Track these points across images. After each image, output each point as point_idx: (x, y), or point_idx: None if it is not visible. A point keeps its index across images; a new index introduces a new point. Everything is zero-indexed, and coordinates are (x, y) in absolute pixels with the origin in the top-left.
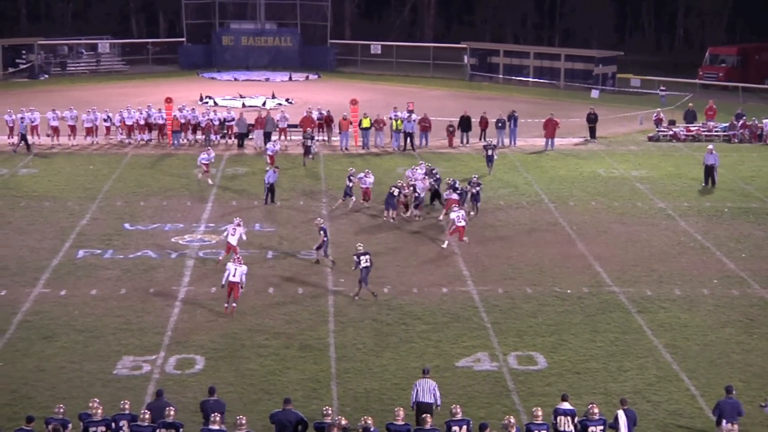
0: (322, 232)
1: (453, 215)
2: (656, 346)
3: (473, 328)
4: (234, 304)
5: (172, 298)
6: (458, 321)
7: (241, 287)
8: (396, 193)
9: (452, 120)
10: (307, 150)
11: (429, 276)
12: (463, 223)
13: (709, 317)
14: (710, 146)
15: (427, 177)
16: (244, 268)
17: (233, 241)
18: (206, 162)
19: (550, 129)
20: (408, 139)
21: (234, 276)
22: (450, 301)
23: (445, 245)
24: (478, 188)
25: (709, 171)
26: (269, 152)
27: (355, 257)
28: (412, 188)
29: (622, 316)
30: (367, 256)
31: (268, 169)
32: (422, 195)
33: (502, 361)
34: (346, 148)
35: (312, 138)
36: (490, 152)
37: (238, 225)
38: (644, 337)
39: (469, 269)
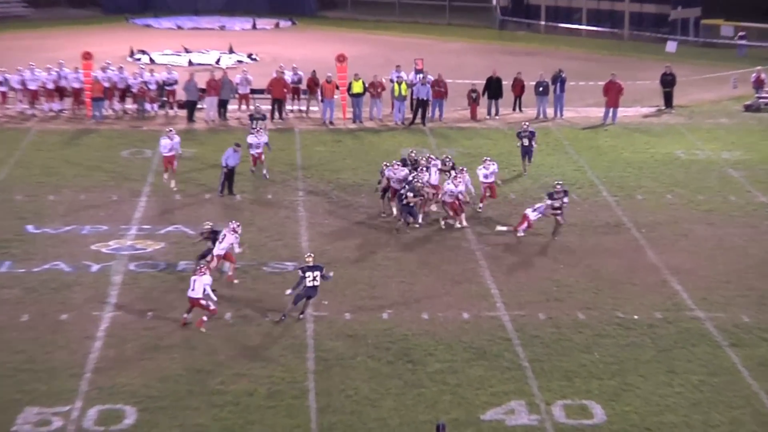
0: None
1: (451, 187)
2: (756, 392)
3: (505, 367)
4: (205, 318)
5: (93, 327)
6: (484, 358)
7: (208, 304)
8: (407, 200)
9: (476, 83)
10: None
11: (445, 296)
12: (491, 179)
13: None
14: None
15: (431, 169)
16: (207, 278)
17: (220, 249)
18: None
19: (612, 95)
20: (417, 110)
21: (193, 290)
22: (473, 330)
23: (460, 224)
24: (563, 201)
25: None
26: (254, 150)
27: (300, 272)
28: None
29: (709, 351)
30: (317, 273)
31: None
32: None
33: (544, 412)
34: (331, 122)
35: (262, 118)
36: (526, 142)
37: (233, 231)
38: (739, 379)
39: (500, 287)
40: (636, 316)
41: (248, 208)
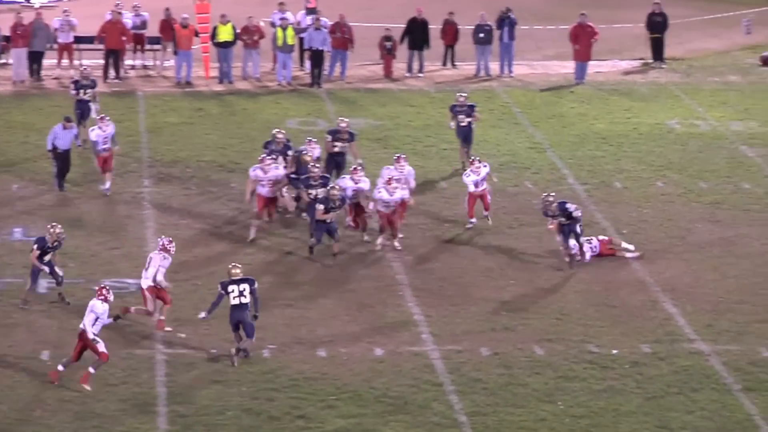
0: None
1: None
2: None
3: (434, 424)
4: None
5: None
6: (405, 411)
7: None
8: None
9: (392, 28)
10: (84, 113)
11: (349, 325)
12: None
13: None
14: None
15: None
16: (100, 306)
17: (147, 279)
18: (104, 147)
19: (582, 44)
20: (312, 64)
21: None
22: (389, 372)
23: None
24: (577, 216)
25: None
26: (101, 147)
27: (219, 287)
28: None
29: (716, 399)
30: (245, 287)
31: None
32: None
33: None
34: (189, 82)
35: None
36: (464, 120)
37: (163, 250)
38: None
39: (426, 311)
40: (615, 351)
41: (73, 204)
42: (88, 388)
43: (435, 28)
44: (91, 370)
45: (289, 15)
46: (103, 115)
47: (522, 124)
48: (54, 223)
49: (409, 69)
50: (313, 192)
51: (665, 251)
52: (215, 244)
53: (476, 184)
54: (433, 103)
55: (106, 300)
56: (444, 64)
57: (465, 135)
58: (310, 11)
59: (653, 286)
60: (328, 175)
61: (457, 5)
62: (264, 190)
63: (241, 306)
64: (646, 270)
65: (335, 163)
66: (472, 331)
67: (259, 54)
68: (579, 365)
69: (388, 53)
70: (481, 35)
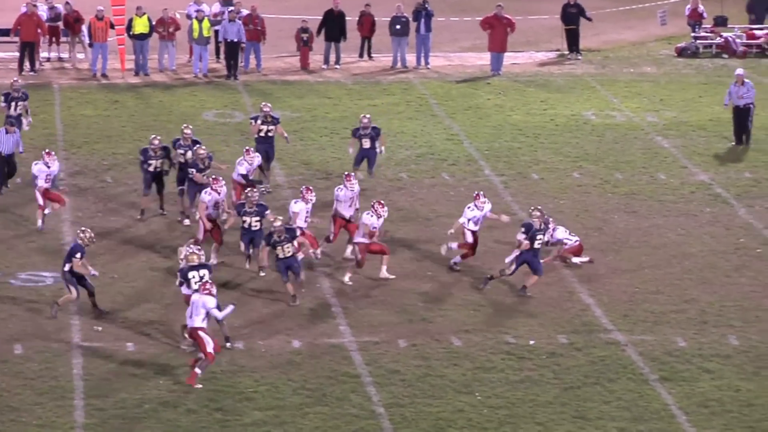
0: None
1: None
2: None
3: (352, 416)
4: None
5: None
6: (323, 403)
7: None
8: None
9: (308, 20)
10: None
11: (267, 317)
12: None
13: None
14: (739, 71)
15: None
16: (211, 301)
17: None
18: (46, 178)
19: (497, 35)
20: (227, 56)
21: (190, 317)
22: (307, 364)
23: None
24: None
25: (739, 117)
26: (41, 183)
27: (179, 276)
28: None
29: (633, 389)
30: (204, 272)
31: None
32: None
33: None
34: (104, 75)
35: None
36: (367, 143)
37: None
38: (673, 426)
39: (344, 303)
40: (532, 342)
41: None
42: (198, 386)
43: (351, 19)
44: (198, 371)
45: (204, 7)
46: (49, 150)
47: (439, 116)
48: (83, 228)
49: (326, 61)
50: (248, 220)
51: (582, 241)
52: (131, 237)
53: (476, 222)
54: (350, 95)
55: (210, 293)
56: (361, 56)
57: (367, 157)
58: (226, 2)
59: (570, 276)
60: (264, 204)
61: None
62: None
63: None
64: (562, 261)
65: (264, 150)
66: (389, 323)
67: (175, 46)
68: (496, 356)
69: (304, 45)
70: (398, 27)
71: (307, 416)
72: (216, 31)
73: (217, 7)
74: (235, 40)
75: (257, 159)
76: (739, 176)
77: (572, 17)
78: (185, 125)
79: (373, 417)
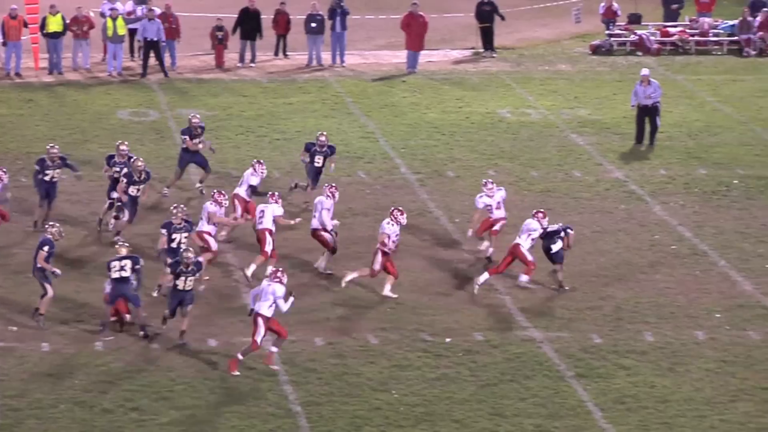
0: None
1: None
2: None
3: (269, 414)
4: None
5: None
6: (240, 401)
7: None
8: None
9: (223, 18)
10: None
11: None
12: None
13: (709, 383)
14: (644, 71)
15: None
16: (280, 289)
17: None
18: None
19: (413, 33)
20: (145, 55)
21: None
22: (225, 363)
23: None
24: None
25: (645, 116)
26: None
27: (107, 269)
28: None
29: (549, 386)
30: (127, 262)
31: None
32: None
33: None
34: (18, 73)
35: None
36: (319, 161)
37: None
38: (589, 423)
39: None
40: (449, 339)
41: None
42: (236, 373)
43: (267, 17)
44: (240, 356)
45: (118, 5)
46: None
47: (354, 114)
48: (52, 222)
49: (242, 59)
50: (177, 237)
51: (496, 239)
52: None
53: (489, 208)
54: (266, 94)
55: (281, 282)
56: (276, 54)
57: (316, 173)
58: (140, 1)
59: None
60: (190, 222)
61: None
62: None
63: (122, 279)
64: (478, 258)
65: (195, 161)
66: (306, 321)
67: (89, 44)
68: (413, 354)
69: (219, 43)
70: (313, 25)
71: (223, 415)
72: (131, 30)
73: (130, 6)
74: (155, 38)
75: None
76: (653, 173)
77: (487, 15)
78: (120, 141)
79: (289, 415)
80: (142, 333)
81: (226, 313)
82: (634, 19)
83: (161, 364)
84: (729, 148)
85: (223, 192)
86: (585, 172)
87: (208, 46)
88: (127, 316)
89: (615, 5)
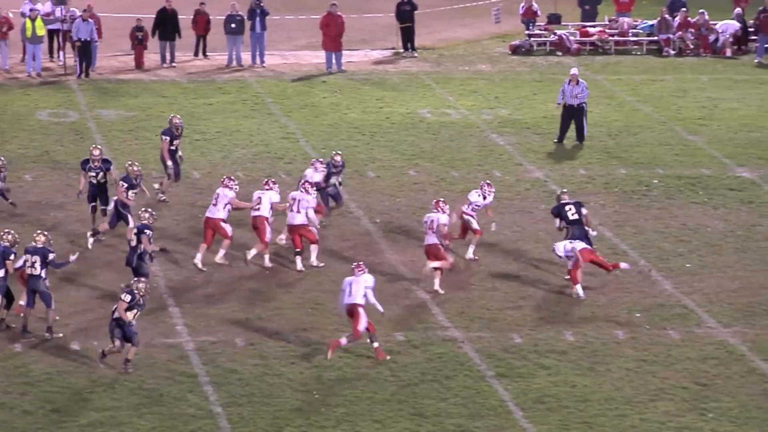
0: None
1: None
2: None
3: (189, 416)
4: (376, 345)
5: None
6: (160, 403)
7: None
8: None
9: (142, 18)
10: None
11: (101, 317)
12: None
13: (629, 383)
14: (574, 70)
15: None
16: (370, 279)
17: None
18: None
19: (331, 34)
20: (80, 55)
21: (350, 295)
22: (144, 364)
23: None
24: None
25: (571, 117)
26: None
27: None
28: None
29: (470, 386)
30: (36, 258)
31: None
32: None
33: None
34: None
35: None
36: (100, 179)
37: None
38: (510, 422)
39: (180, 302)
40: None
41: None
42: (330, 355)
43: (186, 18)
44: (343, 341)
45: (39, 6)
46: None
47: (275, 114)
48: (7, 230)
49: (163, 60)
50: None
51: (418, 240)
52: None
53: (475, 208)
54: (186, 94)
55: (365, 272)
56: (196, 54)
57: (94, 194)
58: (59, 2)
59: (406, 274)
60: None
61: None
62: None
63: (33, 276)
64: (399, 258)
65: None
66: (226, 322)
67: (8, 45)
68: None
69: (139, 44)
70: (233, 25)
71: (144, 416)
72: (50, 30)
73: (48, 6)
74: (88, 39)
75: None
76: (573, 173)
77: (407, 15)
78: (94, 145)
79: (210, 416)
80: (47, 334)
81: (147, 314)
82: (554, 19)
83: (81, 365)
84: (649, 148)
85: (232, 177)
86: (505, 172)
87: (127, 46)
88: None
89: (535, 5)
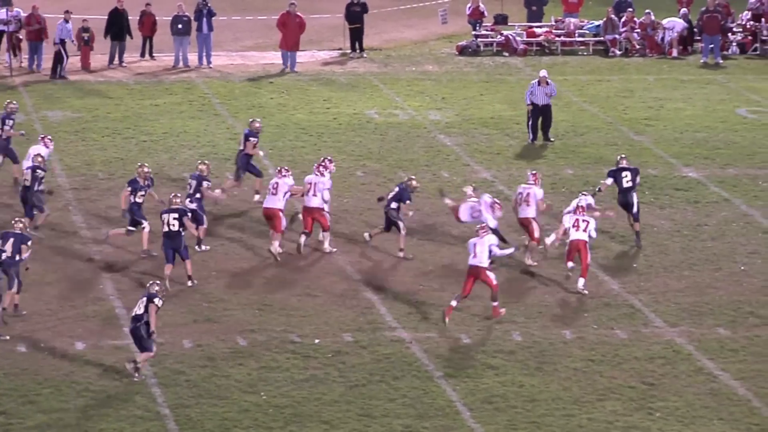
0: None
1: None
2: None
3: (137, 417)
4: (498, 309)
5: None
6: (109, 405)
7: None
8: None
9: (89, 19)
10: None
11: (50, 319)
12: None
13: (577, 382)
14: (543, 72)
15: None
16: (494, 238)
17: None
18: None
19: (289, 32)
20: (55, 59)
21: (475, 256)
22: (92, 366)
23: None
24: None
25: (540, 115)
26: None
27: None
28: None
29: (418, 386)
30: (11, 242)
31: None
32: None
33: None
34: None
35: None
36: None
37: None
38: (458, 423)
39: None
40: (317, 341)
41: None
42: (502, 311)
43: (133, 19)
44: (495, 303)
45: None
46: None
47: (222, 115)
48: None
49: (111, 60)
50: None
51: (365, 241)
52: None
53: (479, 210)
54: (132, 95)
55: (489, 233)
56: (142, 55)
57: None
58: (4, 3)
59: (354, 275)
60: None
61: None
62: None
63: (11, 260)
64: (346, 259)
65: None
66: (174, 324)
67: None
68: (281, 355)
69: (85, 45)
70: (180, 26)
71: (91, 418)
72: None
73: None
74: (65, 39)
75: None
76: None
77: (357, 16)
78: (140, 164)
79: (158, 418)
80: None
81: (94, 315)
82: (501, 20)
83: (28, 367)
84: (595, 148)
85: (287, 168)
86: (453, 173)
87: (74, 47)
88: None
89: (481, 6)
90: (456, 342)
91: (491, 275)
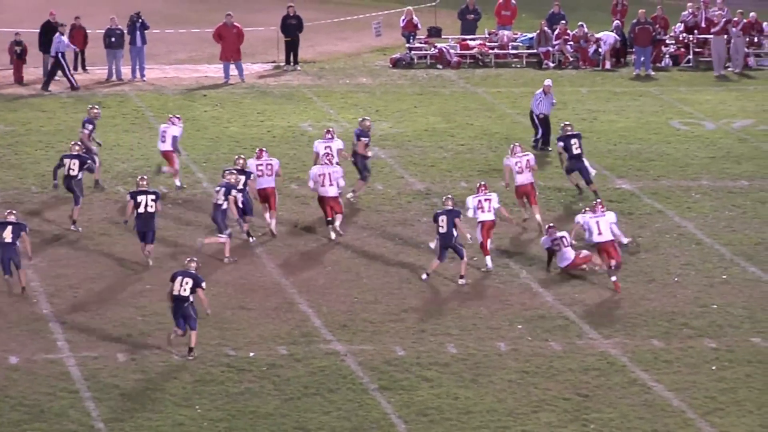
0: None
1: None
2: None
3: (71, 431)
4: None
5: None
6: (42, 419)
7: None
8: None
9: (22, 33)
10: None
11: None
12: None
13: (511, 394)
14: (548, 81)
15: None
16: (613, 216)
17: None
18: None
19: (227, 44)
20: (55, 68)
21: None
22: (25, 380)
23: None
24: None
25: (543, 125)
26: None
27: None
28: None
29: (353, 398)
30: (8, 230)
31: None
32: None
33: None
34: None
35: None
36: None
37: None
38: None
39: (60, 316)
40: (252, 354)
41: None
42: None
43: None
44: (614, 278)
45: None
46: None
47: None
48: None
49: (45, 73)
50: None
51: (299, 253)
52: None
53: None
54: (65, 108)
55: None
56: (75, 68)
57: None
58: None
59: (289, 287)
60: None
61: (87, 9)
62: None
63: (7, 244)
64: (280, 271)
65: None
66: (108, 337)
67: None
68: (216, 369)
69: (18, 58)
70: (113, 39)
71: None
72: None
73: None
74: (64, 51)
75: None
76: (455, 185)
77: (292, 28)
78: (73, 142)
79: (91, 431)
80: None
81: (27, 329)
82: (434, 33)
83: None
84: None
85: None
86: (387, 185)
87: (6, 60)
88: None
89: (415, 19)
90: (391, 354)
91: (618, 248)
